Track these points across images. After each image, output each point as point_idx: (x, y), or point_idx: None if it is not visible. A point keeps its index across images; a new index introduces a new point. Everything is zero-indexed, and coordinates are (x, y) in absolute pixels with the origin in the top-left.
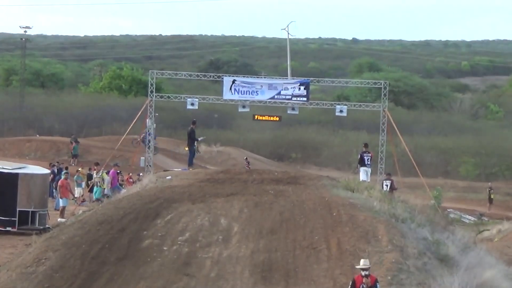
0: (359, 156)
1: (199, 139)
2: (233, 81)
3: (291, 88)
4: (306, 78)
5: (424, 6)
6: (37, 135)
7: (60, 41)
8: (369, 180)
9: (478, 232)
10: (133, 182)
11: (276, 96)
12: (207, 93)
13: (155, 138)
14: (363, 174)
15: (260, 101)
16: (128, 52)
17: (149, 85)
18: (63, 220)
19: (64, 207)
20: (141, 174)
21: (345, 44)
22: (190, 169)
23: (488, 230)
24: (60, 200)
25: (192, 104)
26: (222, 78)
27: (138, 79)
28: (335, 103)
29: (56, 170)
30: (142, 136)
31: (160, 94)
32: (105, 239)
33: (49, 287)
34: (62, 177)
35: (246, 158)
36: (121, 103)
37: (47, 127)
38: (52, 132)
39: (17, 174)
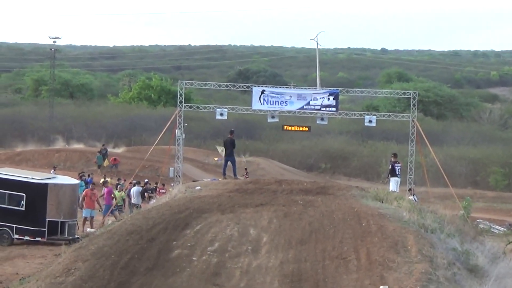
0: (390, 166)
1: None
2: (262, 91)
3: (320, 98)
4: (335, 88)
5: (453, 16)
6: (66, 146)
7: (89, 52)
8: (398, 191)
9: (507, 243)
10: (165, 193)
11: (305, 107)
12: (236, 103)
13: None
14: (394, 184)
15: (289, 112)
16: (157, 62)
17: (178, 95)
18: (92, 230)
19: (85, 218)
20: (173, 184)
21: (374, 54)
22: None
23: None
24: (83, 210)
25: (221, 114)
26: (251, 88)
27: (167, 89)
28: (364, 113)
29: (85, 180)
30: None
31: (189, 104)
32: (134, 249)
33: None
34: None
35: (246, 169)
36: (150, 114)
37: (76, 137)
38: (81, 142)
39: (46, 184)
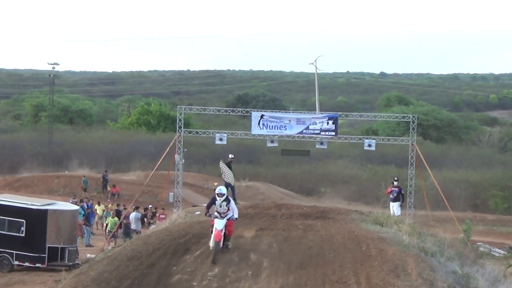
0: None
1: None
2: (262, 116)
3: (320, 122)
4: (334, 113)
5: (451, 40)
6: (66, 171)
7: (88, 77)
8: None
9: (508, 266)
10: (165, 218)
11: (304, 131)
12: (235, 128)
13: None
14: (399, 208)
15: (288, 136)
16: (156, 87)
17: (178, 120)
18: (92, 256)
19: None
20: (174, 210)
21: (373, 78)
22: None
23: None
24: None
25: (221, 140)
26: (251, 113)
27: (166, 114)
28: (363, 137)
29: (85, 206)
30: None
31: (189, 130)
32: (134, 274)
33: None
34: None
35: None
36: (149, 139)
37: (75, 163)
38: (81, 168)
39: (46, 210)
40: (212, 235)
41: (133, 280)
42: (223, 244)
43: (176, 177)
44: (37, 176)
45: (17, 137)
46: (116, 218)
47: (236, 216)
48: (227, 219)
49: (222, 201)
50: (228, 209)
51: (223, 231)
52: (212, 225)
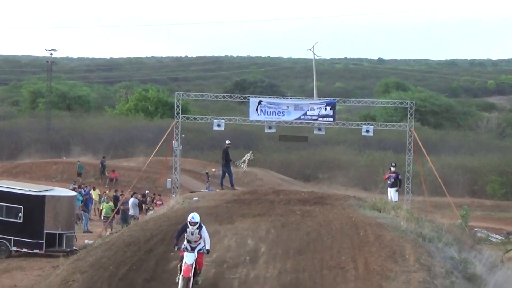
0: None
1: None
2: (259, 102)
3: (317, 108)
4: (332, 99)
5: (449, 25)
6: (64, 158)
7: (85, 64)
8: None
9: (505, 251)
10: (161, 204)
11: (302, 117)
12: (233, 114)
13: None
14: (397, 194)
15: (286, 122)
16: (154, 74)
17: (175, 106)
18: (90, 241)
19: None
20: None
21: (371, 64)
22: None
23: None
24: None
25: (218, 125)
26: (248, 99)
27: (164, 100)
28: (361, 123)
29: (81, 192)
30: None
31: (186, 116)
32: (132, 260)
33: None
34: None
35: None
36: (147, 125)
37: (73, 149)
38: (78, 154)
39: (44, 196)
40: (181, 271)
41: (130, 266)
42: (192, 280)
43: (174, 163)
44: (35, 163)
45: (15, 124)
46: (111, 204)
47: (208, 247)
48: (198, 252)
49: (195, 229)
50: (200, 237)
51: (193, 265)
52: (182, 258)
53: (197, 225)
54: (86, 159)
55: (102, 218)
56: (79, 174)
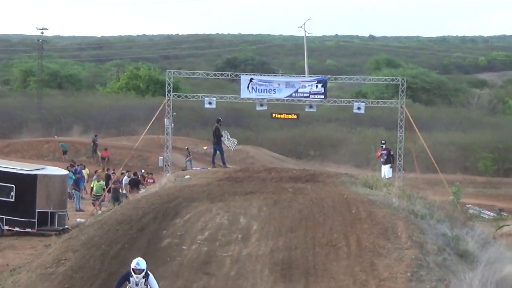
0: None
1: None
2: (251, 80)
3: (309, 86)
4: (323, 76)
5: (440, 2)
6: (56, 136)
7: (77, 42)
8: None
9: (497, 228)
10: (153, 182)
11: (293, 94)
12: (224, 92)
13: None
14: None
15: (277, 99)
16: (145, 52)
17: (167, 84)
18: (82, 220)
19: None
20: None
21: (362, 41)
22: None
23: (507, 225)
24: None
25: (210, 103)
26: (240, 77)
27: (156, 78)
28: (352, 100)
29: (74, 171)
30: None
31: (178, 94)
32: (124, 239)
33: (69, 287)
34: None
35: (187, 148)
36: (138, 103)
37: (65, 128)
38: (70, 133)
39: (35, 175)
40: None
41: (123, 245)
42: None
43: (165, 141)
44: (27, 141)
45: (7, 103)
46: (102, 182)
47: None
48: None
49: (140, 279)
50: None
51: None
52: None
53: (143, 273)
54: (78, 138)
55: (92, 196)
56: (65, 152)
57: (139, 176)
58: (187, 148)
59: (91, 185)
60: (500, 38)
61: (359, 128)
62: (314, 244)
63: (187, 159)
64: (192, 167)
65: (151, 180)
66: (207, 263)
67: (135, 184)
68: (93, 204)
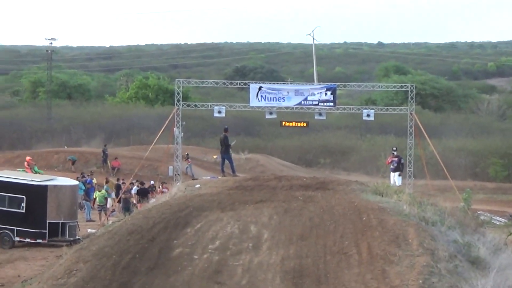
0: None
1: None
2: (260, 88)
3: (318, 93)
4: (332, 83)
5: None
6: (65, 147)
7: (85, 52)
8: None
9: (509, 234)
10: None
11: (303, 102)
12: (233, 100)
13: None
14: (400, 178)
15: (287, 107)
16: (154, 61)
17: (176, 94)
18: (93, 231)
19: None
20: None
21: (371, 48)
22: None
23: None
24: None
25: (219, 112)
26: (249, 85)
27: (165, 88)
28: (362, 108)
29: (84, 181)
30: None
31: (187, 103)
32: (135, 249)
33: None
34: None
35: (187, 154)
36: (148, 113)
37: (75, 138)
38: (80, 143)
39: (46, 186)
40: None
41: (134, 255)
42: None
43: (175, 151)
44: (37, 152)
45: (16, 114)
46: (104, 192)
47: None
48: None
49: None
50: None
51: None
52: None
53: None
54: (87, 148)
55: (96, 207)
56: (74, 163)
57: (148, 186)
58: (187, 154)
59: (94, 196)
60: (509, 43)
61: (369, 135)
62: (325, 252)
63: (187, 165)
64: (192, 173)
65: (166, 190)
66: (218, 272)
67: (143, 194)
68: (100, 214)
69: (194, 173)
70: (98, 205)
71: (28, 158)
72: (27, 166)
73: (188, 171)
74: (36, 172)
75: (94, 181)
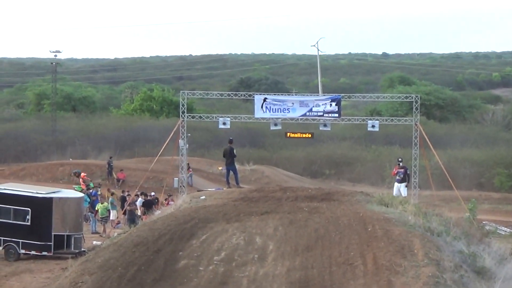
0: (408, 172)
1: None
2: (265, 99)
3: (323, 104)
4: (337, 94)
5: (453, 18)
6: (70, 159)
7: (90, 64)
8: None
9: None
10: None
11: (307, 113)
12: (238, 112)
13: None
14: (405, 189)
15: (292, 119)
16: (158, 73)
17: (181, 105)
18: (98, 243)
19: None
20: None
21: (375, 58)
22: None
23: None
24: None
25: (224, 124)
26: (253, 97)
27: (169, 100)
28: (367, 118)
29: (90, 194)
30: None
31: (192, 114)
32: (141, 261)
33: None
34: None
35: (188, 164)
36: (153, 125)
37: (80, 150)
38: (85, 156)
39: (51, 198)
40: None
41: (139, 266)
42: None
43: (180, 162)
44: (42, 165)
45: (21, 126)
46: (106, 204)
47: None
48: None
49: None
50: None
51: None
52: None
53: None
54: (93, 160)
55: (99, 219)
56: (78, 175)
57: (150, 197)
58: (188, 164)
59: (96, 208)
60: None
61: (374, 146)
62: (331, 263)
63: (188, 175)
64: (192, 183)
65: (172, 203)
66: (224, 283)
67: (149, 205)
68: (103, 226)
69: (193, 182)
70: (101, 217)
71: (83, 174)
72: (82, 183)
73: (189, 180)
74: (89, 189)
75: (99, 192)
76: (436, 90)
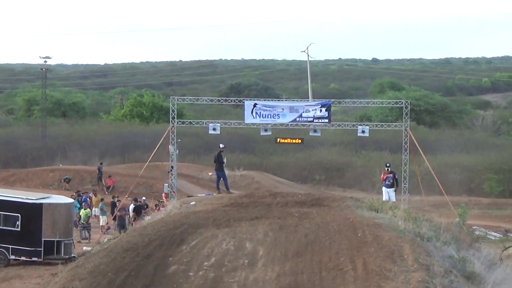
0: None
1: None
2: (254, 105)
3: (313, 110)
4: (327, 100)
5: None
6: (60, 165)
7: (80, 70)
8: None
9: (504, 249)
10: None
11: (297, 119)
12: (228, 117)
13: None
14: (394, 194)
15: (282, 124)
16: (148, 79)
17: (171, 111)
18: (88, 248)
19: None
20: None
21: (365, 64)
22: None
23: None
24: None
25: (214, 129)
26: (243, 102)
27: (159, 105)
28: (357, 124)
29: (80, 200)
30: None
31: (182, 120)
32: (131, 266)
33: None
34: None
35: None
36: (143, 130)
37: (70, 156)
38: (75, 161)
39: (41, 204)
40: None
41: (129, 272)
42: None
43: (170, 168)
44: (32, 170)
45: (11, 132)
46: (88, 210)
47: None
48: None
49: None
50: None
51: None
52: None
53: None
54: (83, 166)
55: (79, 225)
56: (68, 181)
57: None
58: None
59: (79, 213)
60: (503, 59)
61: (364, 152)
62: (321, 268)
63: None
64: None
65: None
66: None
67: (139, 211)
68: (81, 232)
69: (183, 188)
70: (82, 223)
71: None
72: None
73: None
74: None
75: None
76: (426, 96)
